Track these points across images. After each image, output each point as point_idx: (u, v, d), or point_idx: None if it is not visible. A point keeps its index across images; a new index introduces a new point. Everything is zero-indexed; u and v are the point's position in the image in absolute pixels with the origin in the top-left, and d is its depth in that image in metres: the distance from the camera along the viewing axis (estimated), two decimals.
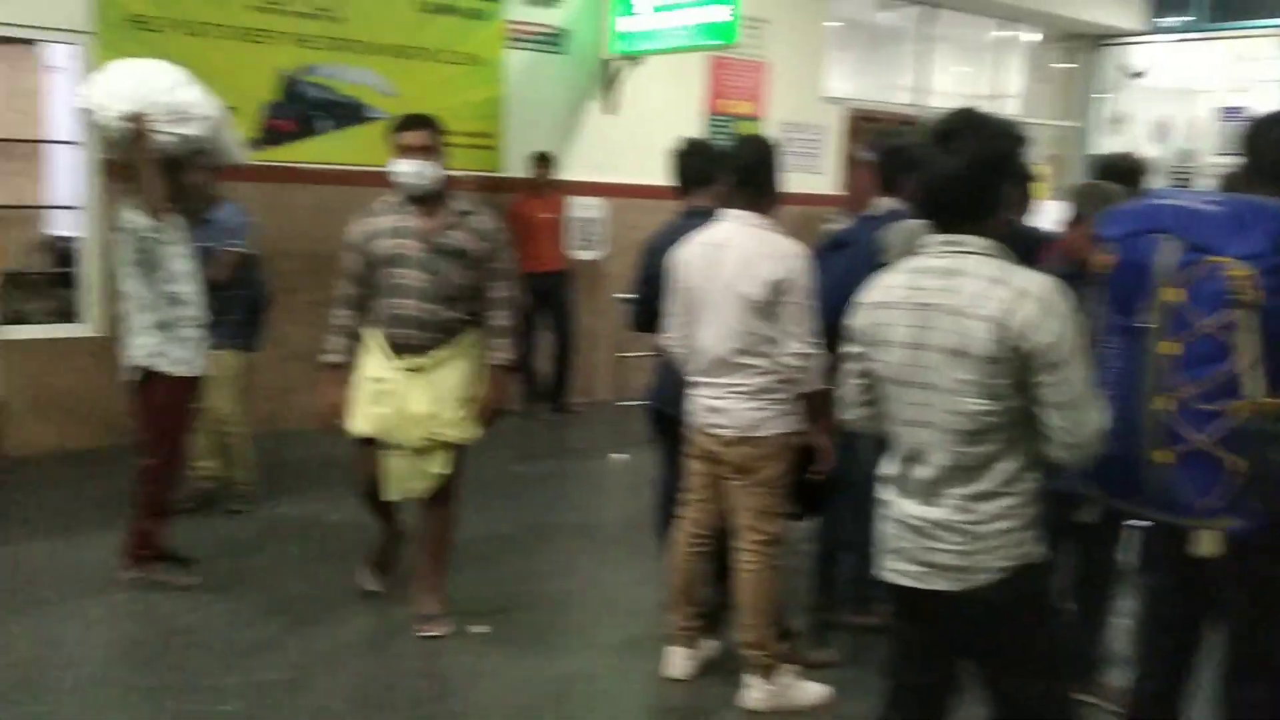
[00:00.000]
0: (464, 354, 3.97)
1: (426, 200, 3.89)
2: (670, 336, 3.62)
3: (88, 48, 6.02)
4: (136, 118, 4.11)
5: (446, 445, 3.92)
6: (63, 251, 6.39)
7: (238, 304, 5.08)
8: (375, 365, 3.94)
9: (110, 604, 4.24)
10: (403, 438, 3.87)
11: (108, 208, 6.07)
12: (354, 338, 4.01)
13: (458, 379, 3.93)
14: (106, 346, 6.23)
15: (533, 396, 7.73)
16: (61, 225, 6.42)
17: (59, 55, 6.24)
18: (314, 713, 3.50)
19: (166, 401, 4.29)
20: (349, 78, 6.96)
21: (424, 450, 3.90)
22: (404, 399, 3.86)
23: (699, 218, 3.65)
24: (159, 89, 4.20)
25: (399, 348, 3.89)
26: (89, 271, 6.27)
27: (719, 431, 3.43)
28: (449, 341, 3.92)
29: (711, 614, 3.81)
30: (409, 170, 3.86)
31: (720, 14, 7.26)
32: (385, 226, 3.90)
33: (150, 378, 4.26)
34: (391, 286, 3.87)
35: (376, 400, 3.90)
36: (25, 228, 6.44)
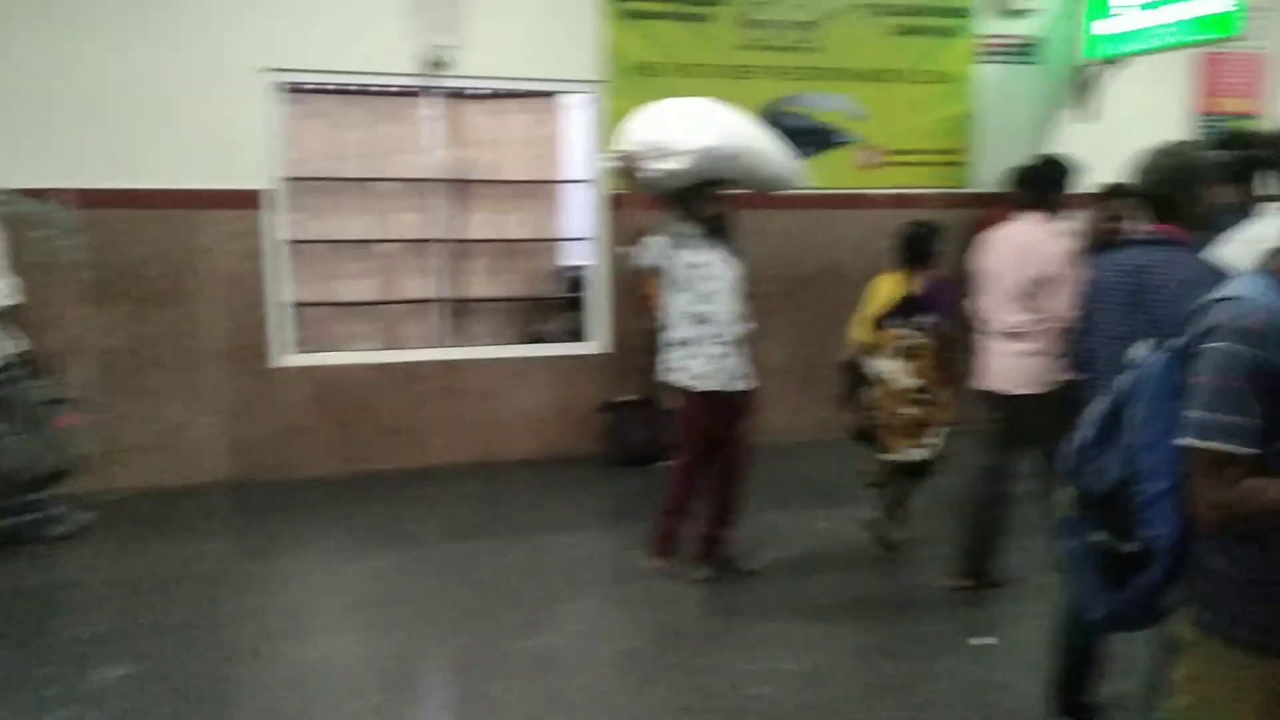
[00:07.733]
0: None
1: None
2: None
3: (599, 95, 6.76)
4: (626, 157, 4.57)
5: None
6: (573, 279, 7.18)
7: None
8: None
9: (630, 591, 4.71)
10: None
11: (613, 239, 6.78)
12: None
13: None
14: (610, 363, 6.96)
15: None
16: (573, 256, 7.22)
17: (573, 103, 7.04)
18: (831, 704, 3.68)
19: (684, 412, 4.68)
20: (824, 105, 7.20)
21: None
22: None
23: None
24: (650, 129, 4.57)
25: None
26: (596, 296, 7.01)
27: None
28: None
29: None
30: None
31: (1220, 4, 6.69)
32: None
33: (680, 389, 4.67)
34: None
35: None
36: (543, 258, 7.30)
